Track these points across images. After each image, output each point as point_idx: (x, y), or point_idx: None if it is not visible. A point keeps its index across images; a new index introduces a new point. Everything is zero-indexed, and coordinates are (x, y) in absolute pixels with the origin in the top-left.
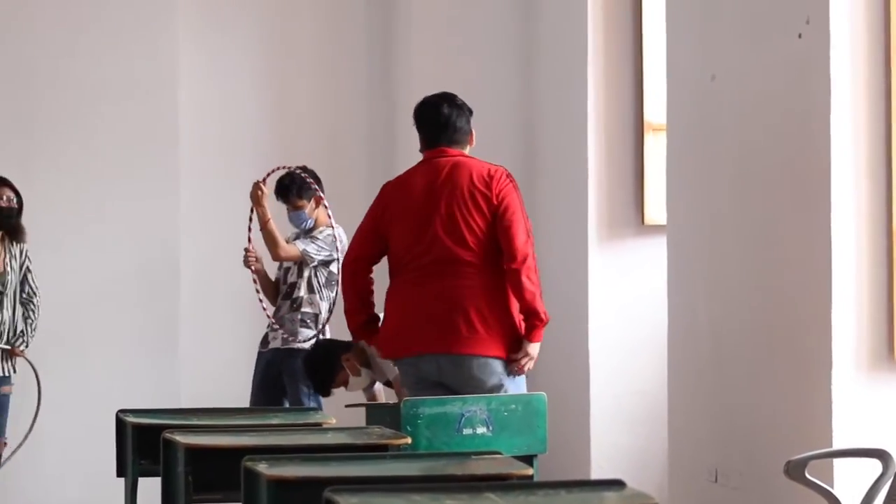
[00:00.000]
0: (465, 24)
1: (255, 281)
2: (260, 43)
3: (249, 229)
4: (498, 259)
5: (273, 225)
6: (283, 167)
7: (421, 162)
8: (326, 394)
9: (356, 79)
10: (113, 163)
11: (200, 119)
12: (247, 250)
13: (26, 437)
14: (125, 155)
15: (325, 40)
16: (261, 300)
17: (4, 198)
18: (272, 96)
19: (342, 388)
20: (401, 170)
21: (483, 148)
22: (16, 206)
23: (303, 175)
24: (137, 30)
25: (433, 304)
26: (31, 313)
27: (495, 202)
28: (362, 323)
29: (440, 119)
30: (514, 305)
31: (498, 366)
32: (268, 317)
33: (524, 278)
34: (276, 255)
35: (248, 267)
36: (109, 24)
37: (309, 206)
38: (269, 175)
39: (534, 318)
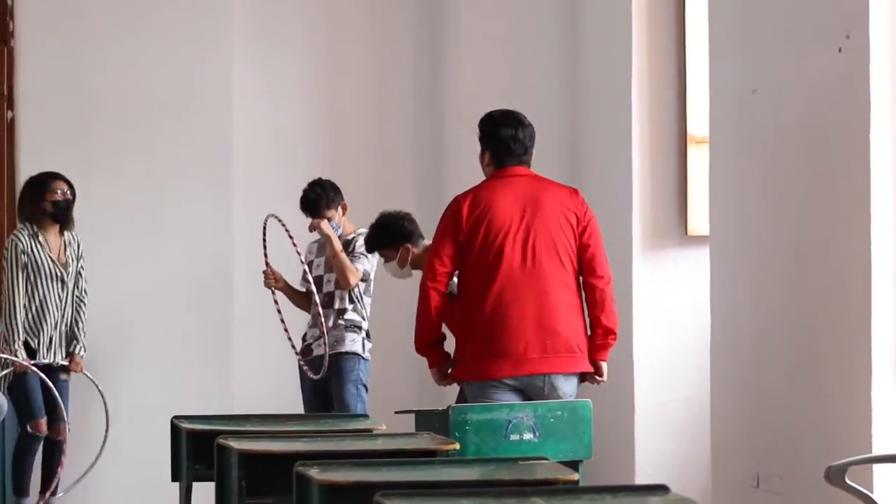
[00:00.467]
0: (512, 38)
1: (276, 302)
2: (311, 57)
3: (266, 255)
4: (578, 276)
5: (344, 255)
6: (273, 216)
7: (494, 178)
8: (370, 251)
9: (404, 91)
10: (167, 173)
11: (253, 131)
12: (266, 273)
13: (98, 457)
14: (179, 165)
15: (375, 54)
16: (286, 330)
17: (59, 191)
18: (322, 109)
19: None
20: (450, 180)
21: None
22: (70, 197)
23: (319, 192)
24: (193, 43)
25: (535, 323)
26: (80, 317)
27: (583, 222)
28: (433, 341)
29: (515, 141)
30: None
31: (576, 382)
32: (296, 353)
33: (609, 297)
34: (350, 284)
35: (269, 288)
36: (166, 37)
37: (336, 215)
38: (266, 222)
39: (611, 336)
